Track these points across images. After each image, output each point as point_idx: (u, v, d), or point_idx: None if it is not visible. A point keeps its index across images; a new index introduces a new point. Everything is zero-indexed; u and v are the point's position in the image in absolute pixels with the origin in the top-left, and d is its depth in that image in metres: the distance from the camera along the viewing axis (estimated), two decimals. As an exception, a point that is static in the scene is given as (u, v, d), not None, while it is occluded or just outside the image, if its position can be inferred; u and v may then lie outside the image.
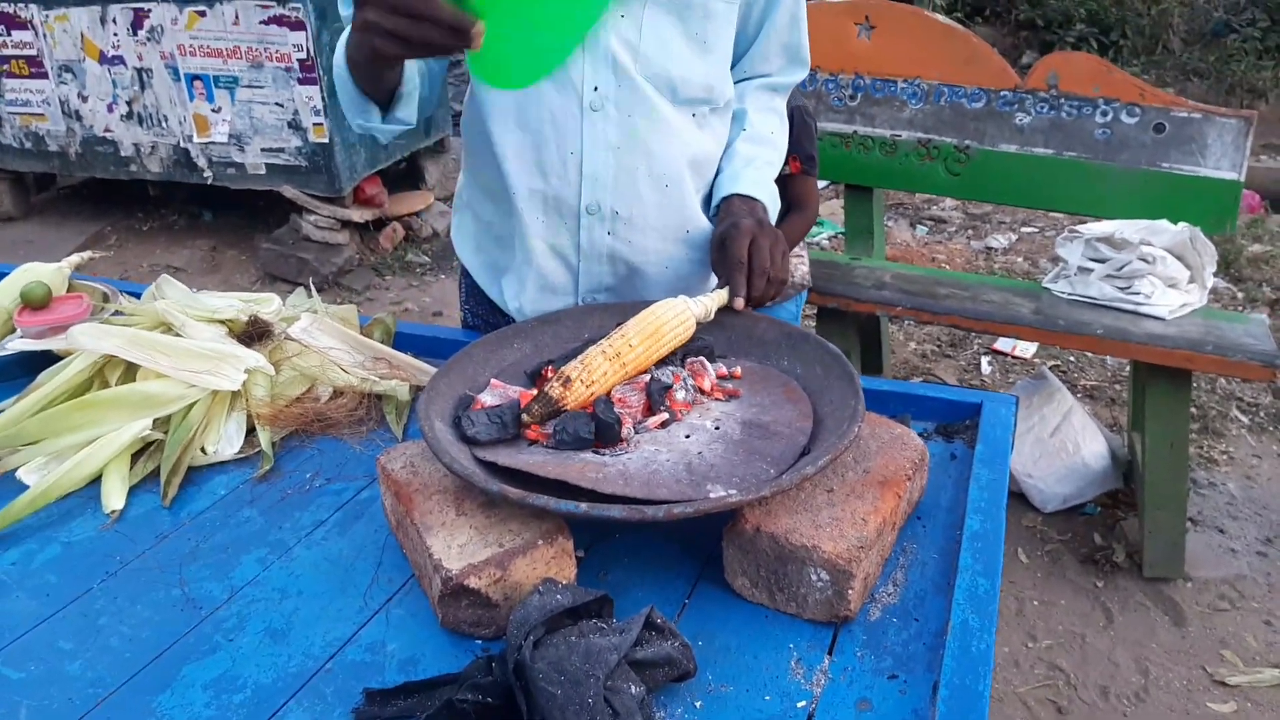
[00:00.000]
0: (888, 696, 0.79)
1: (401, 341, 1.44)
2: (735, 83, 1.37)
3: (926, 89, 2.77)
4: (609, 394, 1.03)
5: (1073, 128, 2.64)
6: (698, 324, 1.14)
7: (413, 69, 1.21)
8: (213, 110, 4.70)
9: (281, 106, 4.58)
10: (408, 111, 1.23)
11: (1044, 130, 2.68)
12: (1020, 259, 4.92)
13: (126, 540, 1.05)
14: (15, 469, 1.15)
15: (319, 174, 4.70)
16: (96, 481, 1.13)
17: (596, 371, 1.01)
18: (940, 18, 2.92)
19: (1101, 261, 2.51)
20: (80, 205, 5.83)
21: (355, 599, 0.94)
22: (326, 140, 4.58)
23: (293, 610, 0.93)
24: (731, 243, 1.20)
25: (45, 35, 4.87)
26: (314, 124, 4.56)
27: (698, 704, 0.79)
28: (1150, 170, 2.56)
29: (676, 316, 1.11)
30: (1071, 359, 3.75)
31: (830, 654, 0.84)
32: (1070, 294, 2.56)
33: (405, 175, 5.60)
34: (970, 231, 5.41)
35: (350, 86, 1.19)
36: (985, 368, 3.67)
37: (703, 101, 1.28)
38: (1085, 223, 2.72)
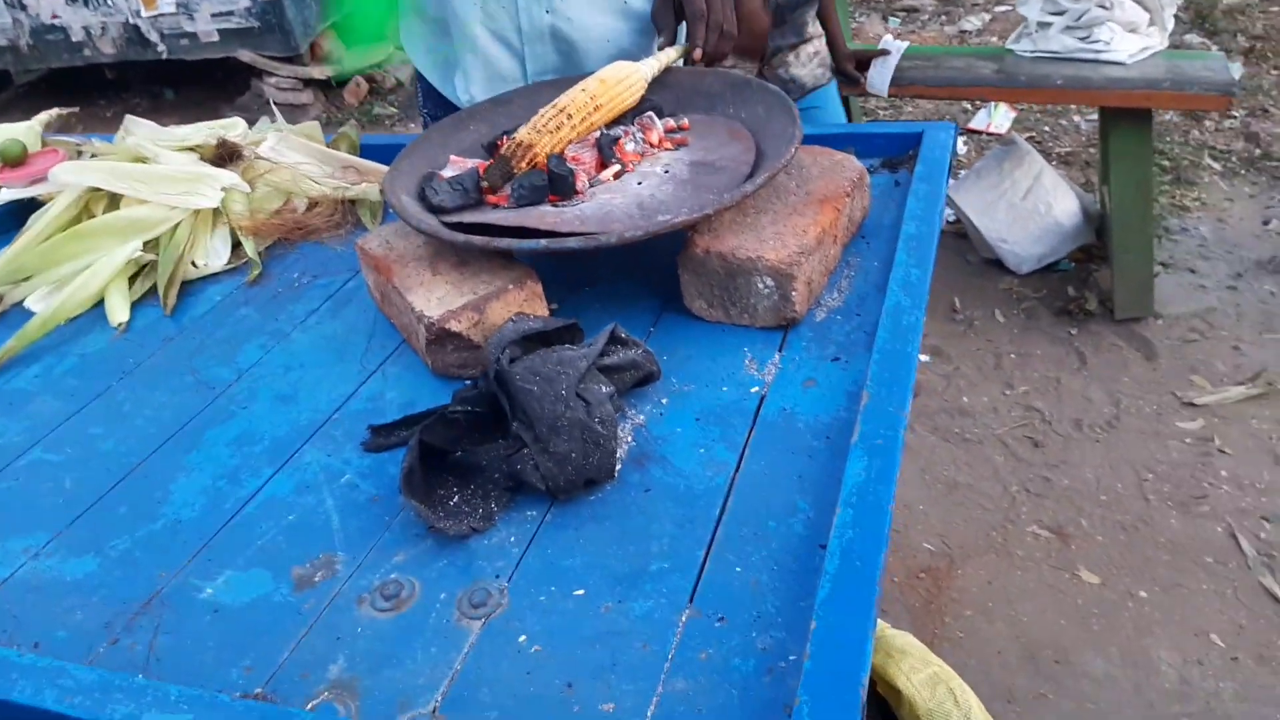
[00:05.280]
0: (830, 374, 0.89)
1: (367, 153, 1.48)
2: None
3: None
4: (562, 153, 1.08)
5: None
6: (646, 85, 1.18)
7: None
8: (155, -21, 4.56)
9: (223, -35, 4.44)
10: None
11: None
12: (995, 38, 4.84)
13: (136, 346, 1.13)
14: (21, 300, 1.23)
15: (273, 33, 4.60)
16: (101, 305, 1.21)
17: (547, 131, 1.06)
18: None
19: (1061, 14, 2.49)
20: (40, 101, 5.70)
21: (353, 364, 1.03)
22: (275, -5, 4.46)
23: (297, 379, 1.02)
24: None
25: (-34, -81, 4.67)
26: (259, -21, 4.43)
27: (663, 401, 0.89)
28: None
29: (626, 78, 1.15)
30: (1046, 129, 3.76)
31: (780, 350, 0.93)
32: (1033, 51, 2.56)
33: (361, 27, 5.46)
34: (944, 17, 5.30)
35: None
36: (961, 147, 3.68)
37: None
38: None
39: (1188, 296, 2.65)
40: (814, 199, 1.02)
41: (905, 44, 2.59)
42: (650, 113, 1.16)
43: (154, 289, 1.22)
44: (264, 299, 1.19)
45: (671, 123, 1.16)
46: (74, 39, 4.95)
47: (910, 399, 0.79)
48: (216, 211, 1.30)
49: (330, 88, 5.03)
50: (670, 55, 1.22)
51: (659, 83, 1.21)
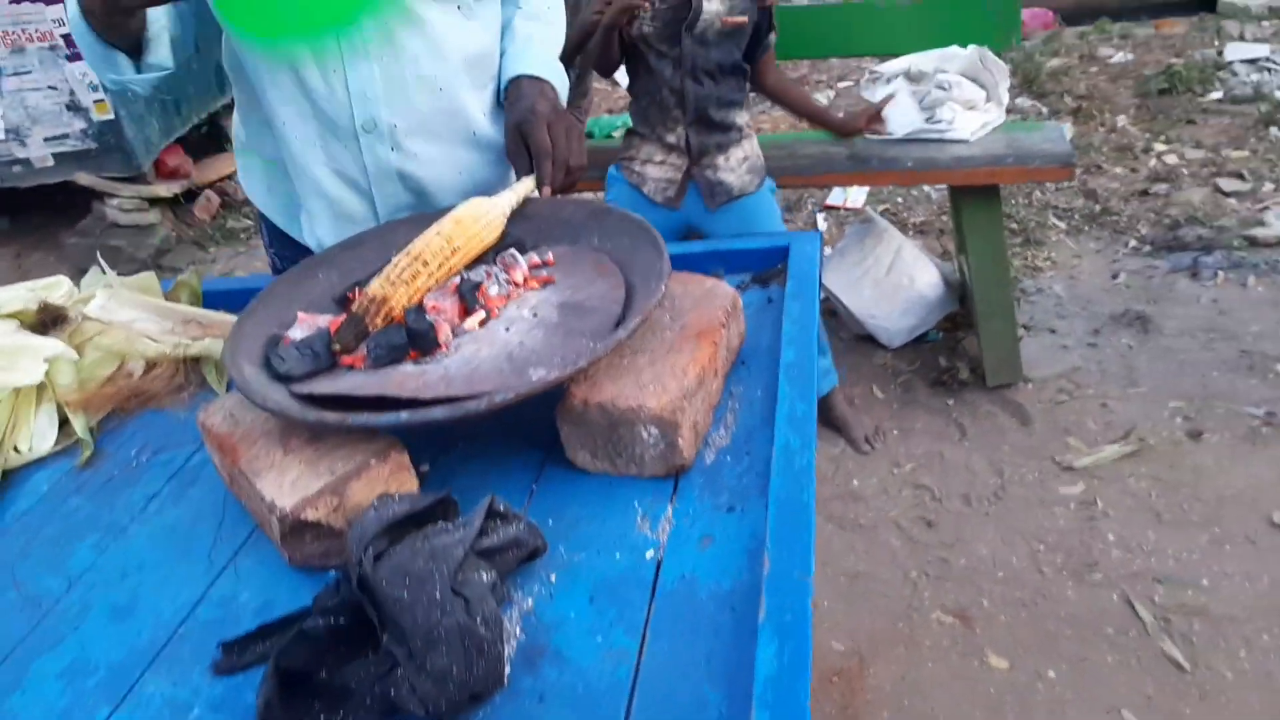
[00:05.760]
0: (727, 527, 0.83)
1: (212, 300, 1.38)
2: None
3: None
4: (420, 304, 1.01)
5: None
6: (505, 220, 1.13)
7: (158, 10, 1.13)
8: (-21, 106, 4.31)
9: (55, 89, 4.23)
10: (161, 55, 1.16)
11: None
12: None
13: (-53, 557, 0.99)
14: None
15: (112, 154, 4.40)
16: (-97, 507, 1.06)
17: (402, 282, 0.99)
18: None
19: (905, 98, 2.58)
20: None
21: (200, 561, 0.92)
22: (112, 116, 4.27)
23: (136, 585, 0.90)
24: (531, 131, 1.19)
25: None
26: (95, 101, 4.24)
27: (552, 578, 0.81)
28: (930, -3, 2.64)
29: (482, 215, 1.10)
30: (900, 199, 3.89)
31: (673, 502, 0.88)
32: (879, 134, 2.64)
33: (209, 139, 5.28)
34: (790, 96, 5.47)
35: (90, 38, 1.11)
36: (821, 224, 3.78)
37: None
38: (887, 61, 2.78)
39: (1052, 357, 2.73)
40: (689, 333, 0.97)
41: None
42: (512, 249, 1.10)
43: (-33, 483, 1.09)
44: (97, 484, 1.07)
45: (536, 258, 1.11)
46: (-108, 171, 4.61)
47: (813, 559, 0.74)
48: (41, 386, 1.18)
49: (179, 205, 4.82)
50: (527, 185, 1.18)
51: (519, 214, 1.16)
